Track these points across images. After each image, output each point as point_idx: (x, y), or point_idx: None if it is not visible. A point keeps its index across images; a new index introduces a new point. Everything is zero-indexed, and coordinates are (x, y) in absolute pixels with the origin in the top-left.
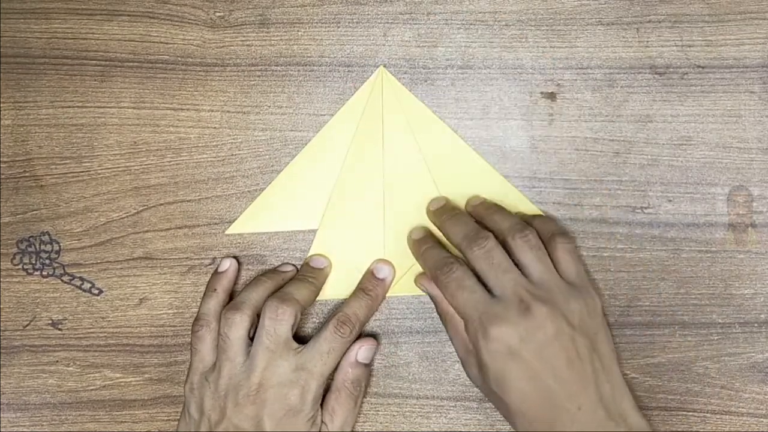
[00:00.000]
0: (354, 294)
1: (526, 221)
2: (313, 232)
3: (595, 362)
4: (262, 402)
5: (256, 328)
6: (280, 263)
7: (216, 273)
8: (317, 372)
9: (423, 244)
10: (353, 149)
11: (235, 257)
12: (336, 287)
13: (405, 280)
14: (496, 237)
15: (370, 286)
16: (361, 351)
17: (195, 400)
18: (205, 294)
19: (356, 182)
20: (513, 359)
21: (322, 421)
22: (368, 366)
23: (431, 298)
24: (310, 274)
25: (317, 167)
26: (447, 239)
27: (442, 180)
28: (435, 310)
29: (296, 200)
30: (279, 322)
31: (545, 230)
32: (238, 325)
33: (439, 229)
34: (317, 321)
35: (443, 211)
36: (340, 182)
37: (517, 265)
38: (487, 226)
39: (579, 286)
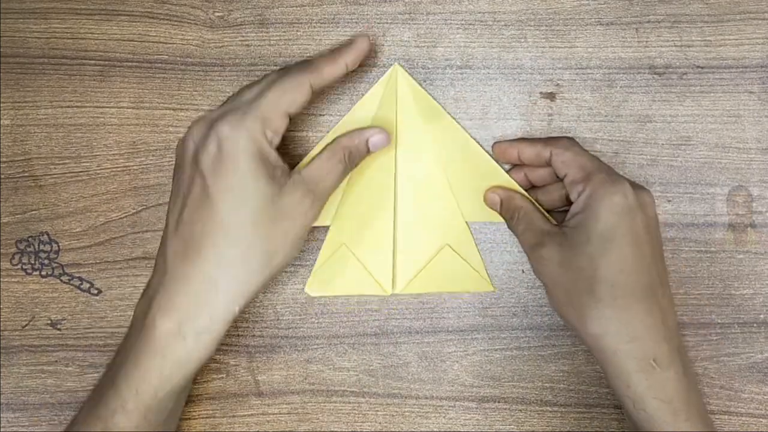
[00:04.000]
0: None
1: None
2: (324, 228)
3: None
4: (198, 136)
5: None
6: None
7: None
8: (247, 99)
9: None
10: None
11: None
12: (347, 285)
13: (418, 279)
14: None
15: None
16: (377, 138)
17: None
18: None
19: (369, 179)
20: (629, 218)
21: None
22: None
23: (501, 204)
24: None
25: None
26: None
27: (455, 177)
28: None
29: None
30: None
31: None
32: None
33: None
34: (321, 320)
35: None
36: (352, 179)
37: None
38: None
39: None
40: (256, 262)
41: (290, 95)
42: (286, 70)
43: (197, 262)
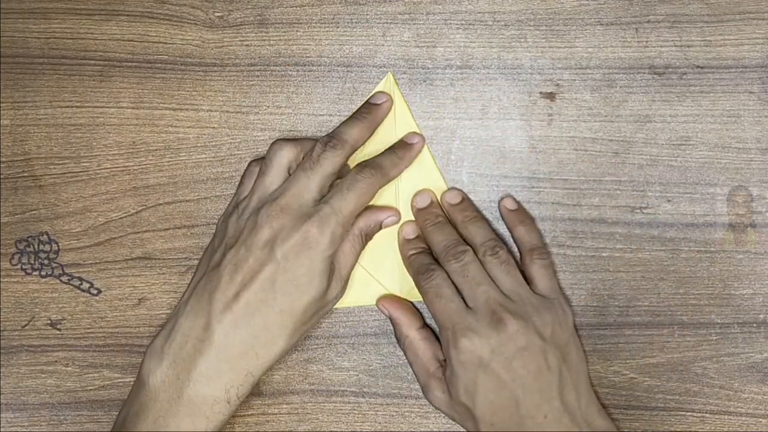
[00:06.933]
0: (349, 118)
1: (510, 227)
2: None
3: (563, 372)
4: (279, 227)
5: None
6: None
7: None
8: (336, 206)
9: (410, 247)
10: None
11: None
12: (359, 296)
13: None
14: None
15: (365, 110)
16: (390, 219)
17: (220, 229)
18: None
19: None
20: (483, 370)
21: (335, 266)
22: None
23: (391, 320)
24: (365, 110)
25: None
26: (426, 242)
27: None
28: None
29: None
30: (325, 157)
31: (525, 242)
32: (284, 150)
33: (419, 227)
34: (326, 326)
35: (426, 214)
36: None
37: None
38: (462, 235)
39: (551, 299)
40: (294, 341)
41: (364, 200)
42: (360, 171)
43: (246, 339)
